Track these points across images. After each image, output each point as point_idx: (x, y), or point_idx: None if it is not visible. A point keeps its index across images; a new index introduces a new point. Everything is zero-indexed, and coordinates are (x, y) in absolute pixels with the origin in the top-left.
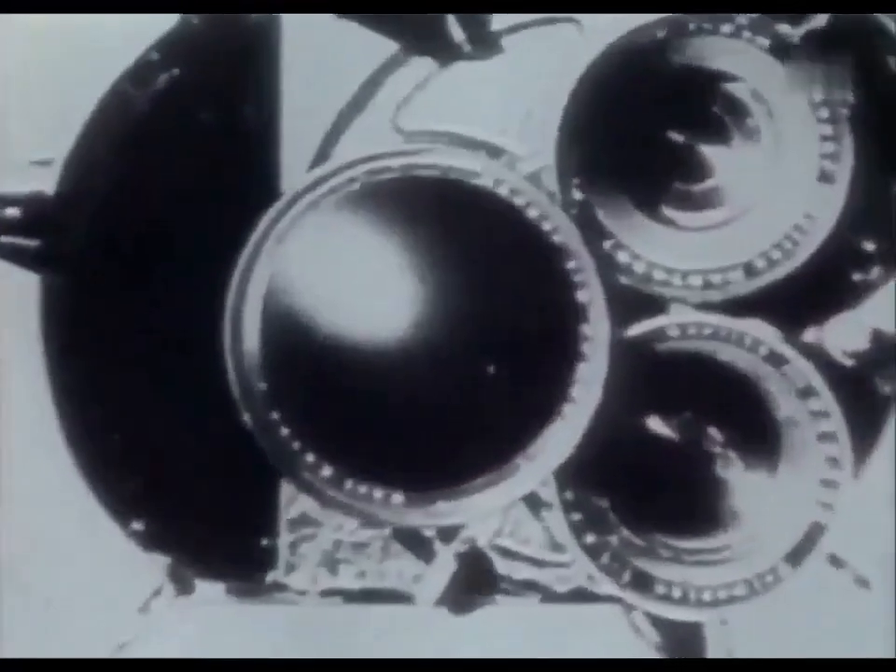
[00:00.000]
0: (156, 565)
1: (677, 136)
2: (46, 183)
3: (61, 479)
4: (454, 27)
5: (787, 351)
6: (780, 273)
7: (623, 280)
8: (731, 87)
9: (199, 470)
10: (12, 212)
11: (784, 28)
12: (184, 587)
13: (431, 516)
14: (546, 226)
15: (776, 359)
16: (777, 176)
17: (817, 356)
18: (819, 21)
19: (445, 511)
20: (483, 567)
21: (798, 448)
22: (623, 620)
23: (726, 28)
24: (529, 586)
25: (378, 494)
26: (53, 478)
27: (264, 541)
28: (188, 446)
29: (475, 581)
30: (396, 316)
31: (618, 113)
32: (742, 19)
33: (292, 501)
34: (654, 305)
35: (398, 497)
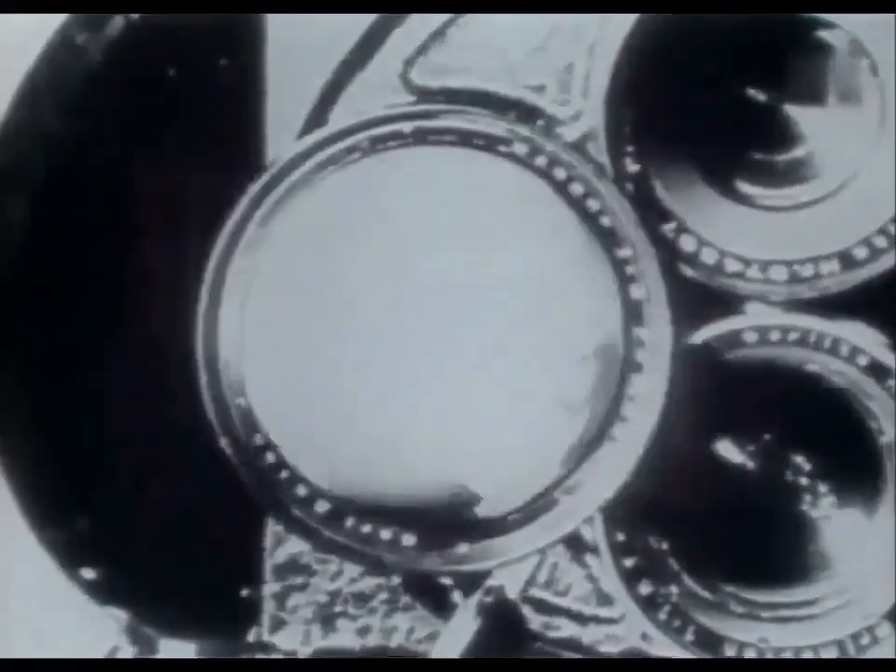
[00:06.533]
0: (111, 621)
1: (757, 94)
2: None
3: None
4: None
5: (893, 362)
6: (885, 264)
7: (689, 272)
8: (825, 35)
9: (164, 505)
10: None
11: None
12: (145, 647)
13: (450, 561)
14: (593, 205)
15: (879, 372)
16: (881, 145)
17: None
18: None
19: (467, 556)
20: (513, 624)
21: None
22: None
23: None
24: (569, 646)
25: (385, 534)
26: None
27: (245, 591)
28: (149, 475)
29: (503, 641)
30: (406, 315)
31: (683, 64)
32: None
33: (279, 543)
34: (727, 304)
35: (409, 538)
